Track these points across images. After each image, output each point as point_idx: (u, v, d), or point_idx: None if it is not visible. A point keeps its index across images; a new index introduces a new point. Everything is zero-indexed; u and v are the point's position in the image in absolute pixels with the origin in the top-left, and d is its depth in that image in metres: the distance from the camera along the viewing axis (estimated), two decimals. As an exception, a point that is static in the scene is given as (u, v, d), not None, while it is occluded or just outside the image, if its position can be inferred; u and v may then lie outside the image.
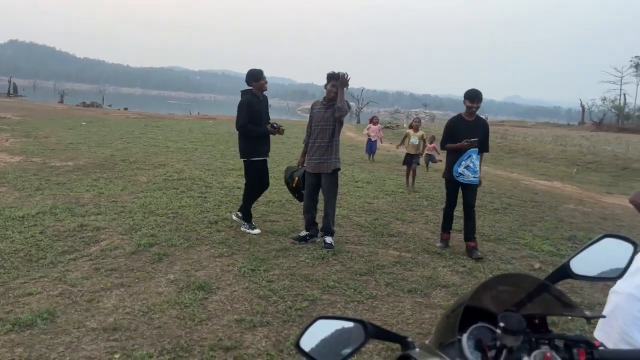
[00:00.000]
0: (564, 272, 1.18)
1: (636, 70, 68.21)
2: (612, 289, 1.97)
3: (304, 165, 5.59)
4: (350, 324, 1.04)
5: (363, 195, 8.51)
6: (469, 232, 5.48)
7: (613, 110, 60.41)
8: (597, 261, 1.18)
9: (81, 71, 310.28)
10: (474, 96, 5.30)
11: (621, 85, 66.56)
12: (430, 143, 11.78)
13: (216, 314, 3.62)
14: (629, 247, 1.19)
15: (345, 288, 4.23)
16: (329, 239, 5.37)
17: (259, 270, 4.52)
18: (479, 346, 1.04)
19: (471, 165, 5.31)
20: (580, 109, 63.94)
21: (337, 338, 1.03)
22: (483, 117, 5.79)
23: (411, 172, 9.74)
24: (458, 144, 5.28)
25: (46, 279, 4.05)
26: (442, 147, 5.59)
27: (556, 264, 1.22)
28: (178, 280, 4.19)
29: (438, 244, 5.66)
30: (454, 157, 5.39)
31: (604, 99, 63.94)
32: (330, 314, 1.10)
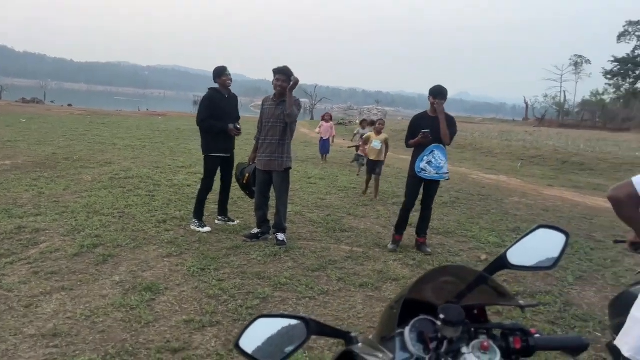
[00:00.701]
0: (501, 263, 1.21)
1: (575, 69, 71.75)
2: None
3: (255, 162, 5.52)
4: (292, 322, 1.02)
5: (316, 192, 8.52)
6: (422, 228, 5.53)
7: (554, 107, 63.15)
8: (532, 251, 1.22)
9: (21, 66, 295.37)
10: (436, 93, 5.24)
11: (561, 82, 69.90)
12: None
13: (164, 315, 3.52)
14: (562, 237, 1.23)
15: (297, 284, 4.22)
16: (281, 236, 5.33)
17: (209, 269, 4.43)
18: (421, 338, 1.05)
19: (433, 161, 5.26)
20: (524, 105, 66.53)
21: (279, 336, 1.01)
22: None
23: (373, 181, 8.68)
24: (415, 139, 5.29)
25: (-21, 285, 3.81)
26: (406, 145, 5.54)
27: (501, 255, 1.25)
28: (124, 282, 4.04)
29: (390, 246, 5.51)
30: (417, 153, 5.40)
31: (546, 96, 66.87)
32: (271, 312, 1.08)
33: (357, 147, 12.47)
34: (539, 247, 1.22)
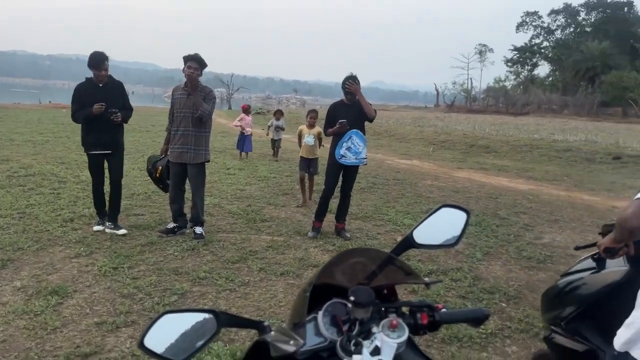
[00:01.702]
0: (408, 242, 1.24)
1: (480, 57, 76.19)
2: None
3: (168, 154, 5.31)
4: (201, 316, 0.99)
5: (235, 182, 8.39)
6: (341, 214, 5.63)
7: (462, 93, 66.70)
8: (437, 230, 1.26)
9: None
10: (345, 81, 5.32)
11: (468, 70, 74.00)
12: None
13: (73, 319, 3.31)
14: (463, 215, 1.29)
15: (217, 278, 4.14)
16: (198, 229, 5.19)
17: (122, 267, 4.23)
18: (334, 321, 1.06)
19: (352, 146, 5.32)
20: (435, 92, 69.63)
21: (188, 332, 0.98)
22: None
23: (307, 182, 7.46)
24: (333, 128, 5.34)
25: None
26: (324, 133, 5.58)
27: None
28: (26, 287, 3.75)
29: (310, 234, 5.55)
30: (336, 140, 5.45)
31: (454, 83, 70.52)
32: (178, 308, 1.03)
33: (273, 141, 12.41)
34: (443, 225, 1.27)
